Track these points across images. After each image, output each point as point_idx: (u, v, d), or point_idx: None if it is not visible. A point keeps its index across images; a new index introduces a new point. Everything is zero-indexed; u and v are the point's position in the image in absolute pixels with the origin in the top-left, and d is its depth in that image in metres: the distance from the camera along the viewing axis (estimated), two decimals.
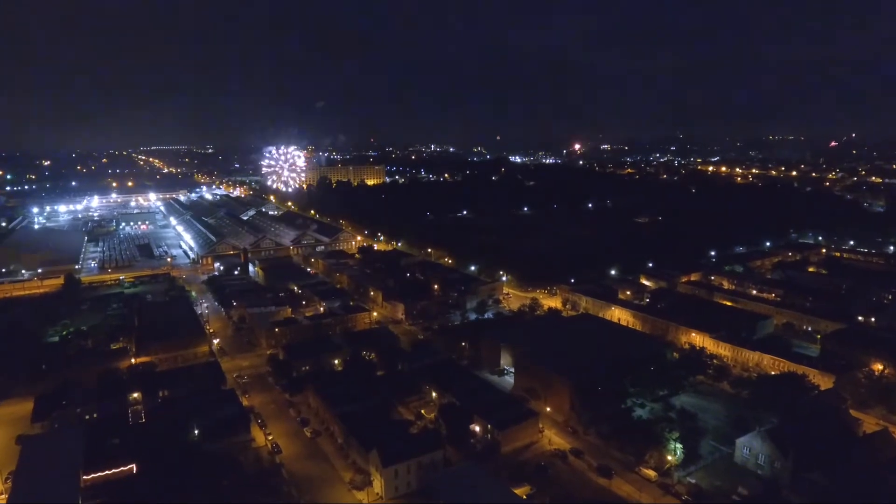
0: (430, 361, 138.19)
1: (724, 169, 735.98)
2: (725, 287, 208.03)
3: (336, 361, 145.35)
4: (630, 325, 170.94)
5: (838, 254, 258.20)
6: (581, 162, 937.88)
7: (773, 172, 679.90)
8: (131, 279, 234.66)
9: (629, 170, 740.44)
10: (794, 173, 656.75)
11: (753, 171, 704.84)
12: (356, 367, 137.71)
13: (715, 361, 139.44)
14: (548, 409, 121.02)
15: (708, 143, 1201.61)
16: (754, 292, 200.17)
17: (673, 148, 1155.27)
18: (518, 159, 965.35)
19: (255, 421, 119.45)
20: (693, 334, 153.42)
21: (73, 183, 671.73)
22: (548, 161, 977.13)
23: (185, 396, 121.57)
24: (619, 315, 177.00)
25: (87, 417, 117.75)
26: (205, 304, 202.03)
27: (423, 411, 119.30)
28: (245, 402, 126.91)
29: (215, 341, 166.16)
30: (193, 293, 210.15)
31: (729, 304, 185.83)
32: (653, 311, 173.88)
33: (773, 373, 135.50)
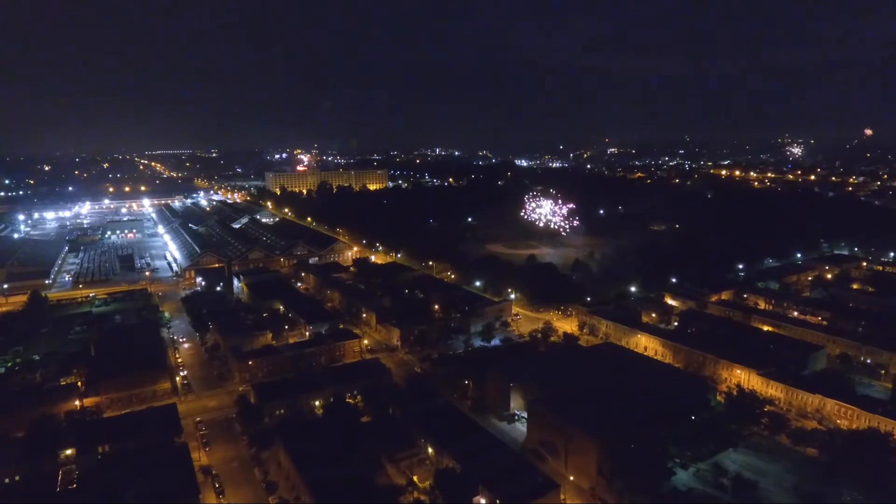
0: (426, 406, 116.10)
1: (737, 173, 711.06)
2: (762, 307, 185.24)
3: (317, 403, 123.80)
4: (659, 356, 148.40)
5: (880, 267, 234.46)
6: (589, 166, 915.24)
7: (790, 177, 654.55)
8: (103, 296, 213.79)
9: (639, 174, 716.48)
10: (812, 177, 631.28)
11: (769, 174, 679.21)
12: (339, 412, 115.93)
13: (768, 407, 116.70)
14: (570, 476, 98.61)
15: (716, 146, 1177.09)
16: (796, 314, 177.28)
17: (681, 151, 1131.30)
18: (524, 163, 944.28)
19: (211, 485, 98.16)
20: (737, 370, 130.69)
21: (70, 188, 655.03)
22: (554, 165, 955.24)
23: (129, 453, 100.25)
24: (645, 343, 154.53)
25: (6, 481, 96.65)
26: (176, 328, 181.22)
27: (415, 477, 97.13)
28: (204, 459, 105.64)
29: (182, 373, 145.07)
30: (167, 314, 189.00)
31: (769, 328, 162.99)
32: (684, 339, 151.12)
33: (838, 421, 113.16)
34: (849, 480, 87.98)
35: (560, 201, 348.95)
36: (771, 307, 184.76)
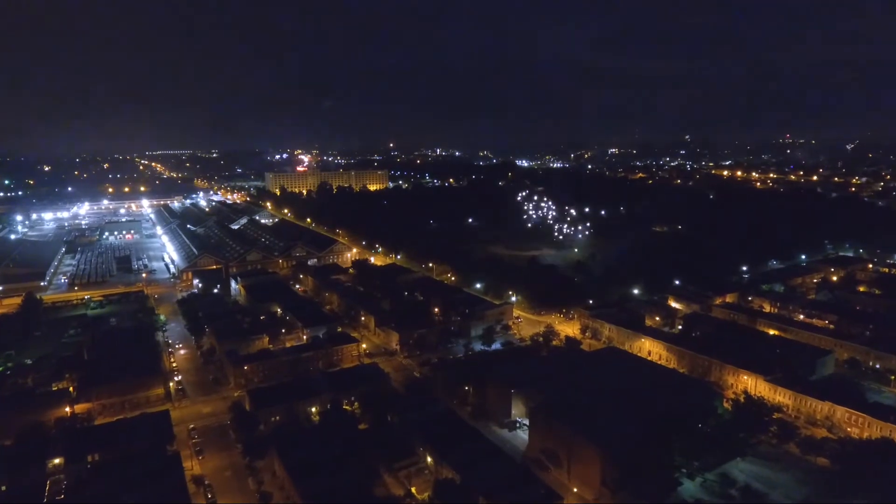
0: (425, 413, 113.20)
1: (739, 174, 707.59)
2: (767, 310, 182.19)
3: (313, 409, 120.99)
4: (663, 361, 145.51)
5: (886, 269, 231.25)
6: (590, 166, 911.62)
7: (792, 177, 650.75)
8: (99, 298, 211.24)
9: (640, 174, 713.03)
10: (815, 178, 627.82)
11: (771, 175, 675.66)
12: (336, 419, 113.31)
13: (776, 415, 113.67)
14: (574, 487, 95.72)
15: (718, 146, 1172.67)
16: (801, 317, 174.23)
17: (683, 152, 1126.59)
18: (525, 163, 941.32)
19: (203, 495, 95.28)
20: (743, 376, 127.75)
21: (70, 189, 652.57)
22: (555, 165, 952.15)
23: (119, 462, 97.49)
24: (649, 347, 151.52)
25: None
26: (171, 331, 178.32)
27: (413, 489, 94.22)
28: (196, 468, 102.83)
29: (177, 378, 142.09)
30: (163, 316, 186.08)
31: (775, 332, 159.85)
32: (689, 344, 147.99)
33: (848, 429, 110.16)
34: (862, 492, 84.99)
35: (562, 203, 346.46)
36: (776, 310, 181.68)
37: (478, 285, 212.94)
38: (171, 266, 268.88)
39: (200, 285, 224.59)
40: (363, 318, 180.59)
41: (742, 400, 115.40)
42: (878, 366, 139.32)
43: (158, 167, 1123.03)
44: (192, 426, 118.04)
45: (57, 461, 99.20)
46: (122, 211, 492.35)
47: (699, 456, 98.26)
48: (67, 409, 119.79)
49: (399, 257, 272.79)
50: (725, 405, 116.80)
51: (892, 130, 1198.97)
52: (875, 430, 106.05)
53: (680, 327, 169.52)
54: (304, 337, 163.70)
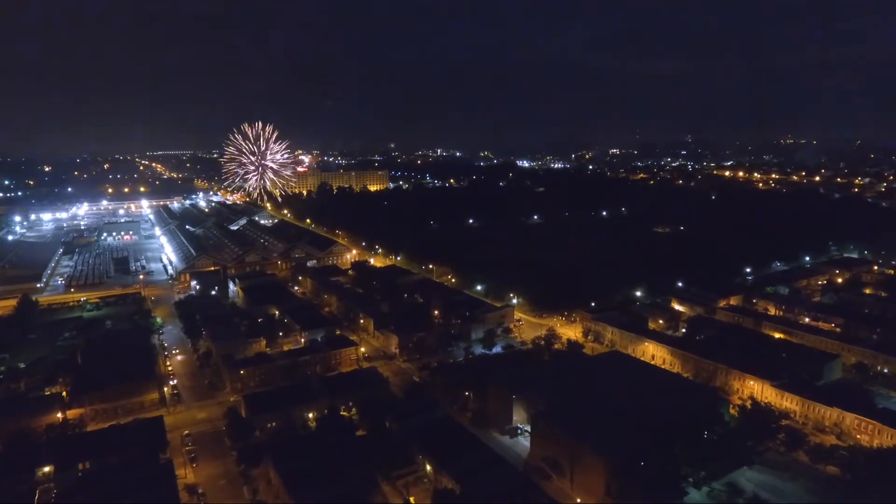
0: (424, 419, 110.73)
1: (741, 174, 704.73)
2: (772, 313, 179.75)
3: (310, 415, 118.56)
4: (667, 365, 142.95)
5: (892, 271, 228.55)
6: (591, 167, 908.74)
7: (795, 178, 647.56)
8: (95, 300, 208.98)
9: (641, 174, 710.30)
10: (817, 179, 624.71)
11: (773, 175, 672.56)
12: (333, 425, 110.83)
13: (784, 422, 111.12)
14: (577, 497, 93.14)
15: (718, 147, 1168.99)
16: (807, 320, 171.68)
17: (684, 152, 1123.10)
18: (525, 164, 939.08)
19: None
20: (749, 381, 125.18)
21: (69, 189, 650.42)
22: (556, 166, 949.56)
23: (110, 470, 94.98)
24: (652, 351, 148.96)
25: None
26: (168, 334, 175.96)
27: (412, 498, 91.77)
28: (190, 477, 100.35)
29: (172, 382, 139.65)
30: (159, 319, 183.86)
31: (781, 335, 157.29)
32: (693, 348, 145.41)
33: (858, 436, 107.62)
34: (873, 502, 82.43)
35: (563, 204, 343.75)
36: (781, 313, 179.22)
37: (478, 287, 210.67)
38: (169, 267, 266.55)
39: (198, 287, 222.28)
40: (362, 321, 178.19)
41: (749, 406, 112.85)
42: (885, 370, 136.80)
43: (158, 167, 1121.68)
44: (186, 432, 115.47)
45: (47, 469, 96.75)
46: (122, 212, 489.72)
47: (705, 464, 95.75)
48: (59, 414, 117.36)
49: (399, 258, 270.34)
50: (732, 411, 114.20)
51: (894, 131, 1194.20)
52: (885, 437, 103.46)
53: (684, 330, 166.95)
54: (303, 340, 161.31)
